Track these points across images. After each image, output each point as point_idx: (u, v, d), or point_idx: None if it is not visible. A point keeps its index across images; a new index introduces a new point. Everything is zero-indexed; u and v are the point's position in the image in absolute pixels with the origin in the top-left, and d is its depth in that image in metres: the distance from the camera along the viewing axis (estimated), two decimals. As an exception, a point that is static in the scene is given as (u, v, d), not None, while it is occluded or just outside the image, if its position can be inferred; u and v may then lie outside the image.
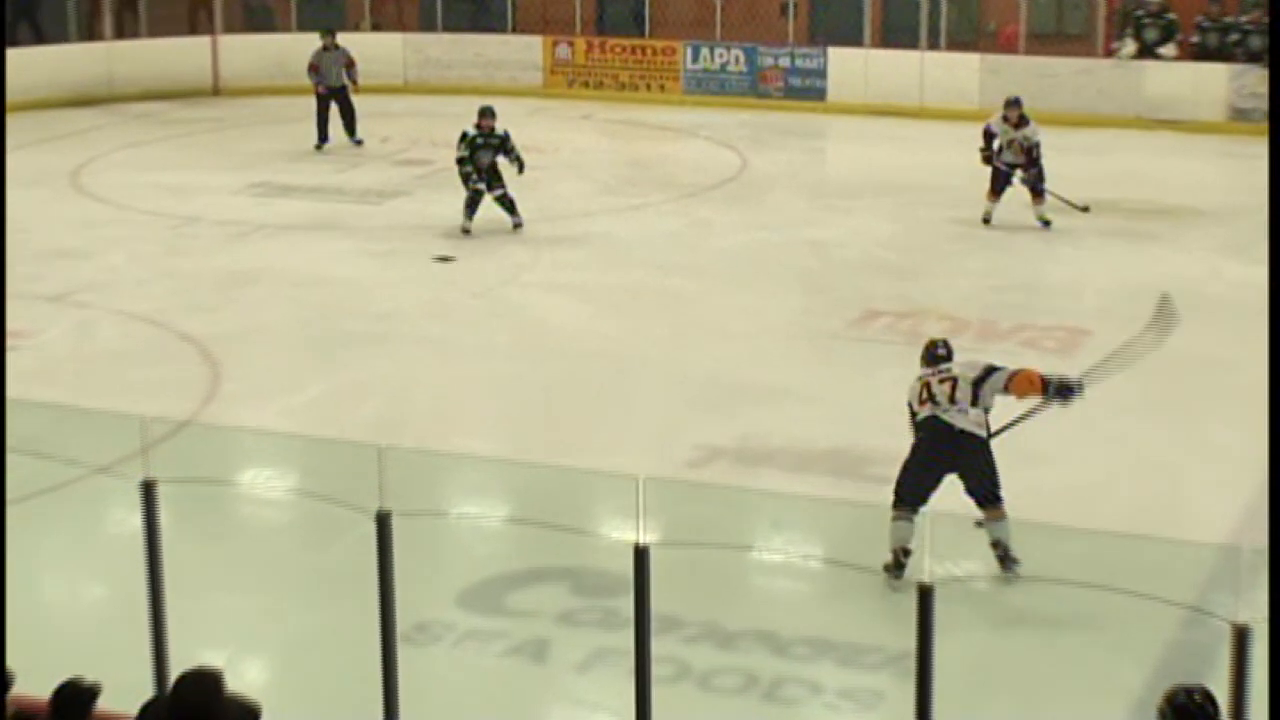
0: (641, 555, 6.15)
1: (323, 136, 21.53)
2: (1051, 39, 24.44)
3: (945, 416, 9.09)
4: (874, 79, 23.96)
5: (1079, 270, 15.71)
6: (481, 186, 17.02)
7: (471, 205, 17.01)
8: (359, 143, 21.57)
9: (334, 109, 21.54)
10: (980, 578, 8.95)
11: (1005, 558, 8.97)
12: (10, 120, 20.19)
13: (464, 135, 17.08)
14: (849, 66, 24.21)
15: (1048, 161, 17.10)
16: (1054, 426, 9.78)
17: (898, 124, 23.03)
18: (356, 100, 21.61)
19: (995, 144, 17.16)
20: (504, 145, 17.02)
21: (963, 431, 9.05)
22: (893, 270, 15.71)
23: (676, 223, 17.80)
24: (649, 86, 25.34)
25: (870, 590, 8.81)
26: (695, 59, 25.17)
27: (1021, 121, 17.06)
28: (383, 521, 6.47)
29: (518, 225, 17.05)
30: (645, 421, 11.72)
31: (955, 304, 14.43)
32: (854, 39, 24.62)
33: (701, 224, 17.74)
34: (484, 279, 15.52)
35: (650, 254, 16.38)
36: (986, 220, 17.32)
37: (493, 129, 17.04)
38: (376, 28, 26.83)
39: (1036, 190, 17.16)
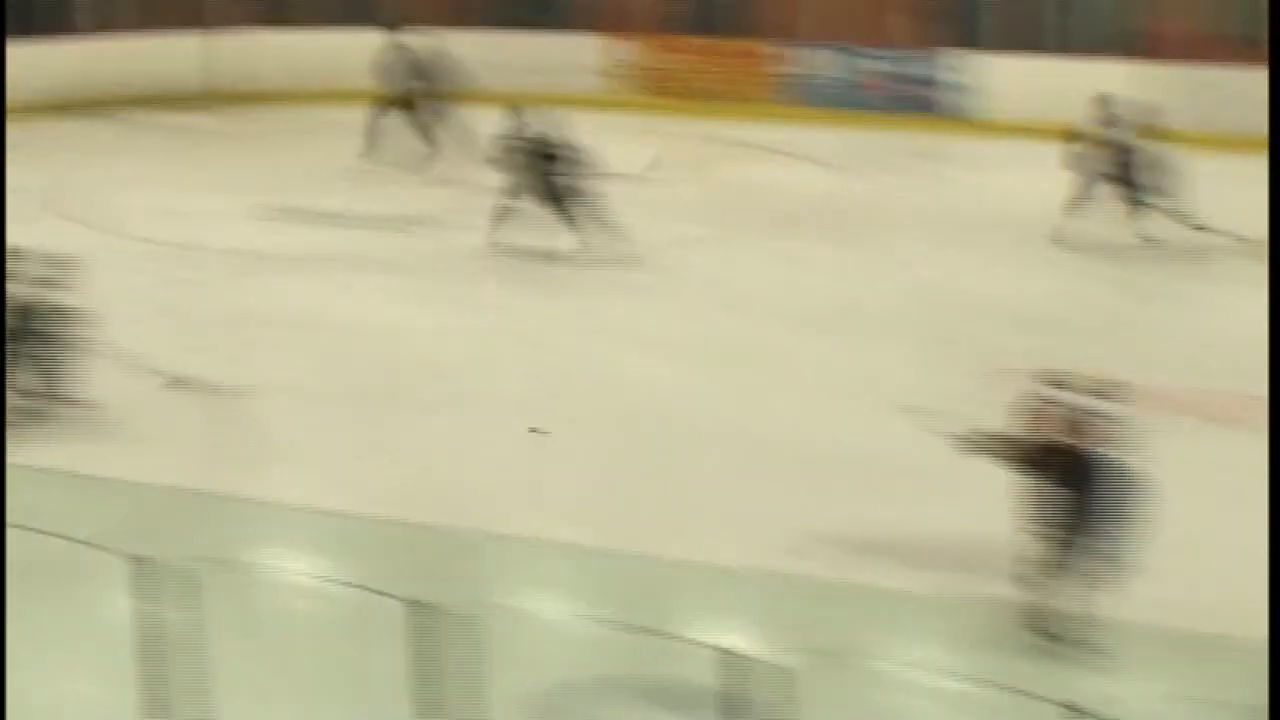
0: (733, 663, 6.20)
1: (374, 147, 21.84)
2: (1221, 41, 24.34)
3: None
4: (1019, 90, 23.87)
5: (1264, 325, 15.64)
6: (513, 201, 17.44)
7: (501, 219, 17.48)
8: (433, 155, 21.84)
9: (396, 119, 21.95)
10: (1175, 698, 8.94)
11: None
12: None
13: (498, 138, 17.59)
14: (990, 75, 24.17)
15: (1218, 192, 17.13)
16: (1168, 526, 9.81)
17: (1046, 146, 22.95)
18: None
19: (1083, 148, 17.30)
20: (546, 151, 17.34)
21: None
22: (1033, 323, 15.71)
23: (769, 262, 17.88)
24: (733, 96, 25.41)
25: (1009, 713, 8.81)
26: (791, 63, 25.24)
27: (1115, 122, 17.17)
28: (426, 615, 6.55)
29: (578, 249, 17.39)
30: (737, 502, 11.77)
31: (1110, 364, 14.39)
32: (997, 42, 24.49)
33: (800, 263, 17.82)
34: (543, 327, 15.69)
35: (740, 299, 16.51)
36: (1062, 239, 17.43)
37: (529, 132, 17.50)
38: (398, 24, 26.80)
39: (1135, 203, 17.29)
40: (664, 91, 25.80)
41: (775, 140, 23.73)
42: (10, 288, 13.31)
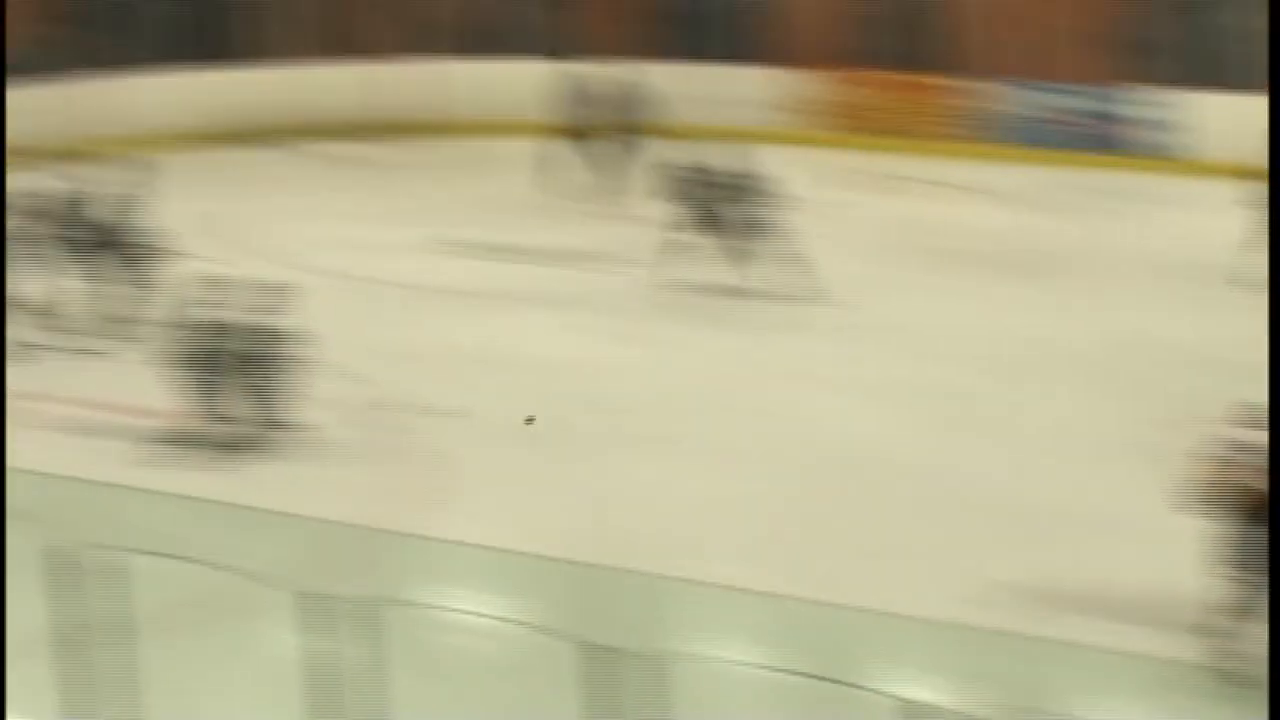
0: (918, 714, 6.12)
1: (548, 179, 21.93)
2: None
3: None
4: (1211, 128, 23.33)
5: None
6: (691, 235, 17.60)
7: (678, 253, 17.56)
8: (609, 188, 21.90)
9: (570, 151, 22.08)
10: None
11: None
12: (169, 158, 20.70)
13: (676, 171, 17.76)
14: (1180, 112, 23.73)
15: None
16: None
17: (1235, 185, 22.50)
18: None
19: (1260, 186, 17.05)
20: (725, 185, 17.37)
21: None
22: (1222, 366, 15.33)
23: (954, 301, 17.73)
24: (918, 131, 25.14)
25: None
26: (977, 99, 24.94)
27: None
28: (601, 658, 6.54)
29: (758, 285, 17.43)
30: (922, 549, 11.72)
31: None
32: (1219, 79, 23.97)
33: (985, 303, 17.67)
34: (723, 364, 15.73)
35: (925, 339, 16.44)
36: (1241, 280, 17.12)
37: (708, 165, 17.61)
38: (571, 54, 26.59)
39: None
40: (848, 126, 25.60)
41: (960, 177, 23.51)
42: (214, 314, 13.81)
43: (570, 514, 12.34)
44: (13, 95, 21.23)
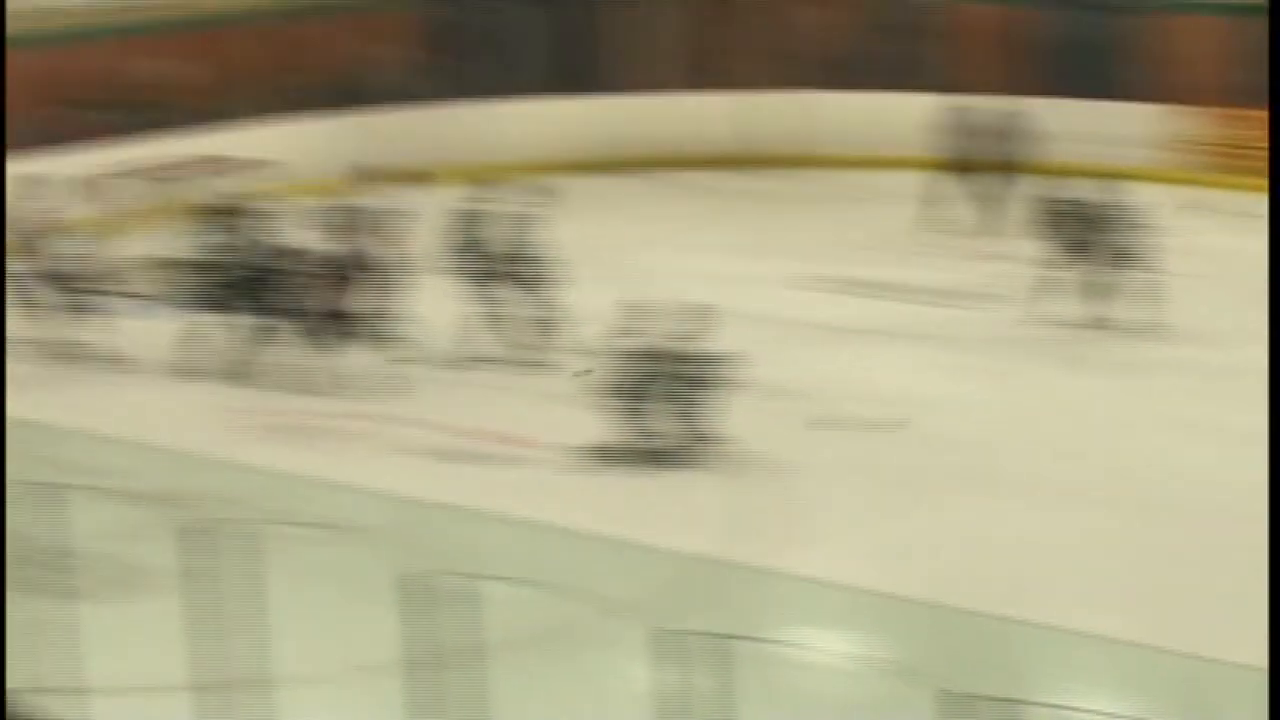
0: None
1: (929, 214, 21.76)
2: None
3: None
4: None
5: None
6: (1063, 273, 17.43)
7: (1050, 291, 17.48)
8: (989, 224, 21.67)
9: (953, 186, 21.92)
10: None
11: None
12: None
13: (1050, 207, 17.79)
14: None
15: None
16: None
17: None
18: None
19: None
20: (1100, 223, 17.24)
21: None
22: None
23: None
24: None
25: None
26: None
27: None
28: (959, 705, 6.43)
29: (1129, 324, 17.18)
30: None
31: None
32: None
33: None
34: (1094, 409, 15.51)
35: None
36: None
37: (1083, 202, 17.54)
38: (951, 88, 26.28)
39: None
40: (1226, 165, 24.91)
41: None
42: (625, 340, 14.21)
43: (928, 553, 12.27)
44: (387, 119, 21.70)
